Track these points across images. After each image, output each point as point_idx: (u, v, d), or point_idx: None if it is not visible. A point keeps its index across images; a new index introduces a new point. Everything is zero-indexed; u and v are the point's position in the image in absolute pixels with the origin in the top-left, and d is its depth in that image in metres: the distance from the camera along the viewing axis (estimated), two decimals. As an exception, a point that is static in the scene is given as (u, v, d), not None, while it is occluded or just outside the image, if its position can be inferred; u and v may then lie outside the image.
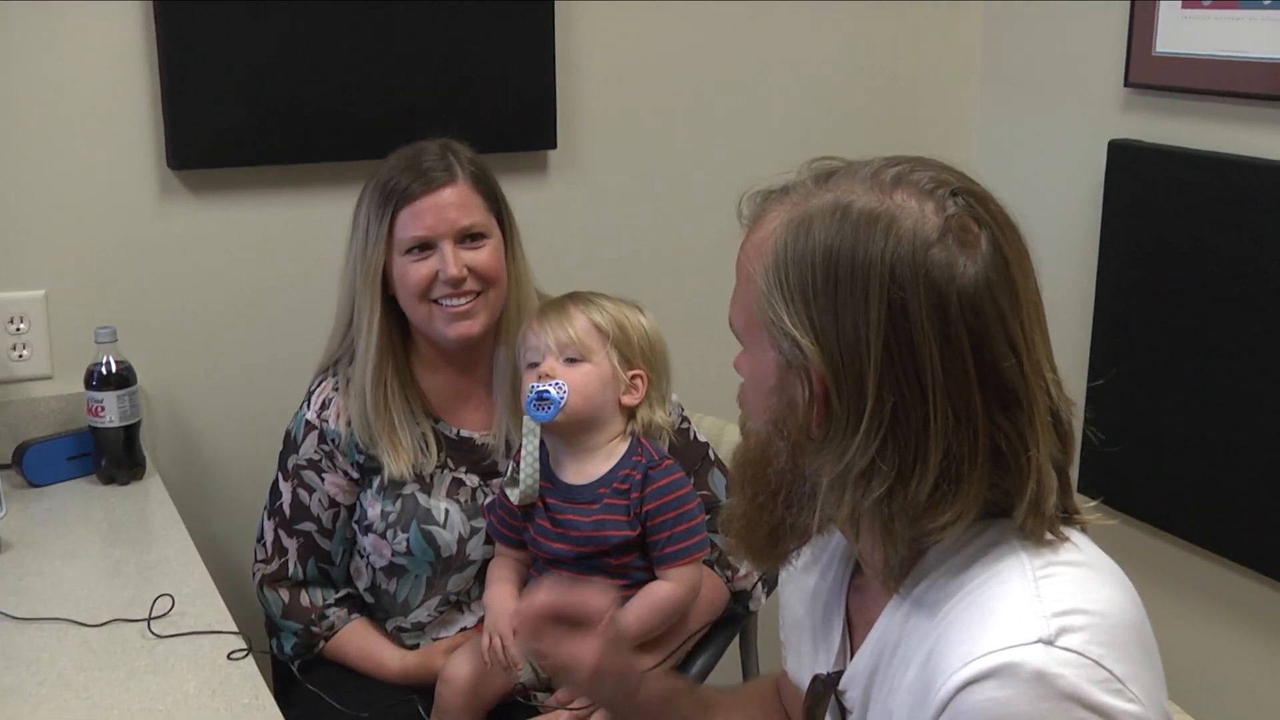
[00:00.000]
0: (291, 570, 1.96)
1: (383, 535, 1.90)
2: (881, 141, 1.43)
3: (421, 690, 1.89)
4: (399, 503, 1.90)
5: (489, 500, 1.91)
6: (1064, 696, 0.96)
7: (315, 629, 1.95)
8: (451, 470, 1.93)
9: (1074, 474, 1.14)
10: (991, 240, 1.05)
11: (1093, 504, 1.15)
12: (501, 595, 1.83)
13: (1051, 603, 1.01)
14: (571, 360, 1.79)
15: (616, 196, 2.57)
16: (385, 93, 2.29)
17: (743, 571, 1.97)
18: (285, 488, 1.96)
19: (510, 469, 1.83)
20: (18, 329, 2.16)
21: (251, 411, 2.30)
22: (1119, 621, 1.02)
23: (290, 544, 1.95)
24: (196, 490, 2.31)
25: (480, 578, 1.92)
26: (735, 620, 2.05)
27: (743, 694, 1.50)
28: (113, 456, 2.11)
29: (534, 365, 1.80)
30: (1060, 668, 0.97)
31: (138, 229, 2.22)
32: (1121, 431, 1.98)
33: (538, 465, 1.78)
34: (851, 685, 1.19)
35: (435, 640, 1.96)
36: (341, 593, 1.99)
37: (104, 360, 2.09)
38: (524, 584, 1.86)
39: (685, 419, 2.00)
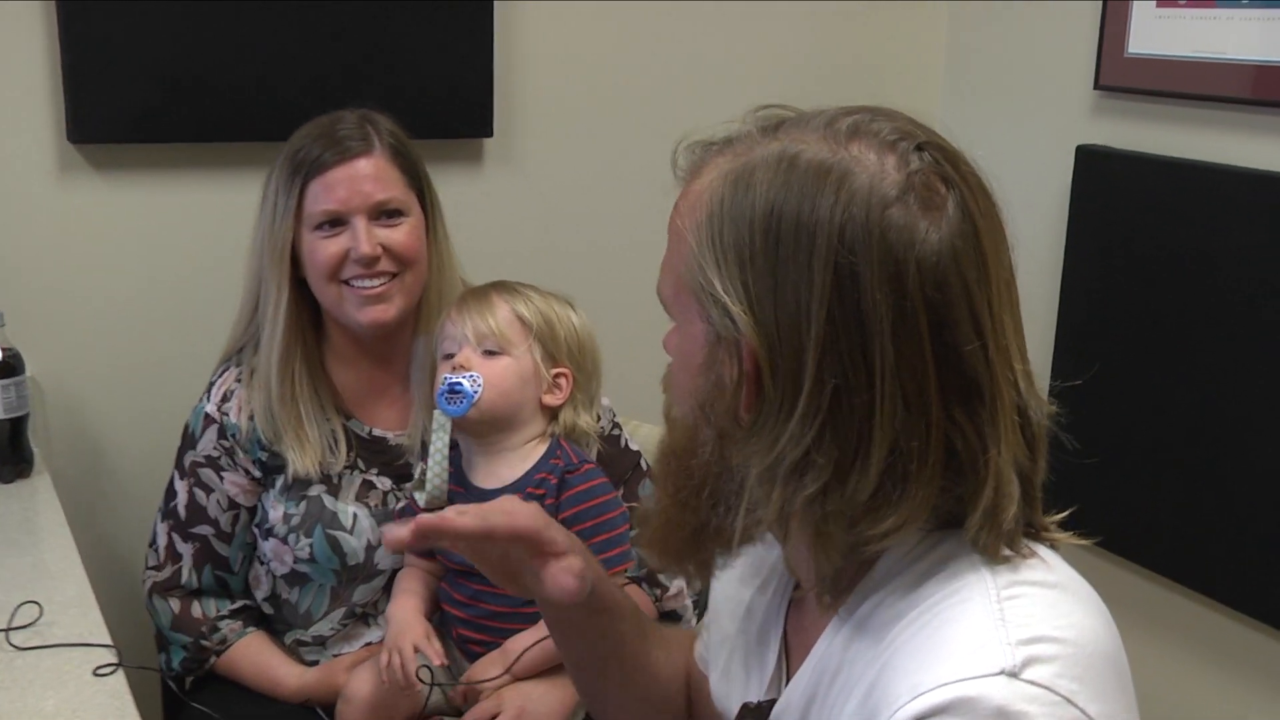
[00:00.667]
0: (185, 578, 1.82)
1: (284, 540, 1.77)
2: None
3: (322, 709, 1.76)
4: (303, 505, 1.76)
5: (401, 505, 1.78)
6: (1028, 739, 0.82)
7: (205, 642, 1.81)
8: (362, 472, 1.80)
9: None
10: (960, 204, 0.92)
11: (1063, 516, 1.00)
12: (405, 609, 1.71)
13: (1017, 628, 0.88)
14: (490, 353, 1.69)
15: (554, 189, 2.47)
16: (308, 70, 2.17)
17: (673, 590, 1.83)
18: (181, 487, 1.82)
19: (418, 470, 1.71)
20: (-105, 309, 2.00)
21: (154, 406, 2.16)
22: (1094, 652, 0.89)
23: (185, 549, 1.82)
24: (91, 490, 2.19)
25: (389, 589, 1.80)
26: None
27: (675, 640, 1.33)
28: (-5, 451, 1.96)
29: (449, 356, 1.71)
30: (1025, 704, 0.83)
31: (33, 205, 2.10)
32: (1086, 443, 1.88)
33: (447, 466, 1.66)
34: (785, 716, 1.05)
35: (337, 656, 1.83)
36: (238, 604, 1.85)
37: (-12, 346, 1.94)
38: (431, 597, 1.75)
39: (617, 425, 1.88)
